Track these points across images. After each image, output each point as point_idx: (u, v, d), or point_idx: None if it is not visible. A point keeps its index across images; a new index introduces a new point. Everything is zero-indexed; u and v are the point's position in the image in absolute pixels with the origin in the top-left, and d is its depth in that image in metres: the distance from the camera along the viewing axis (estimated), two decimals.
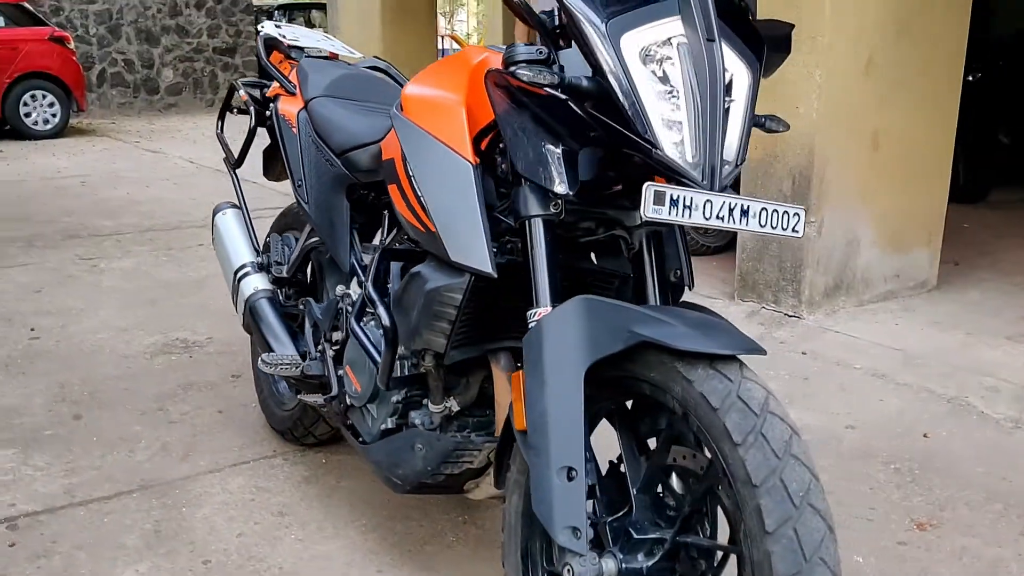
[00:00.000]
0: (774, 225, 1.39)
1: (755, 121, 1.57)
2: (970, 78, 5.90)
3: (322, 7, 15.03)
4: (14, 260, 4.89)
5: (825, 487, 2.36)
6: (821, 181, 3.56)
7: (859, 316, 3.75)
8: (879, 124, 3.69)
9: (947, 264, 4.47)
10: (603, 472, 1.56)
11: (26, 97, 10.31)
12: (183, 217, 6.10)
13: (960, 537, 2.19)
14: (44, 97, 10.49)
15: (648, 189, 1.27)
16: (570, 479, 1.35)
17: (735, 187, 1.59)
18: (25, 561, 2.09)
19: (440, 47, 8.53)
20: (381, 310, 1.75)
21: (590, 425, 1.58)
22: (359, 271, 2.08)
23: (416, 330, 1.65)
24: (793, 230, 1.42)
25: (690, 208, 1.30)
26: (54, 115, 10.58)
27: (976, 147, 6.02)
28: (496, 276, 1.51)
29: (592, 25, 1.35)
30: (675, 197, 1.29)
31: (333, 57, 2.66)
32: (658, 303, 1.57)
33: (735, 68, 1.45)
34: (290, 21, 17.37)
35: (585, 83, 1.39)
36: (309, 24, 16.88)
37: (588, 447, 1.44)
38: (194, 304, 4.03)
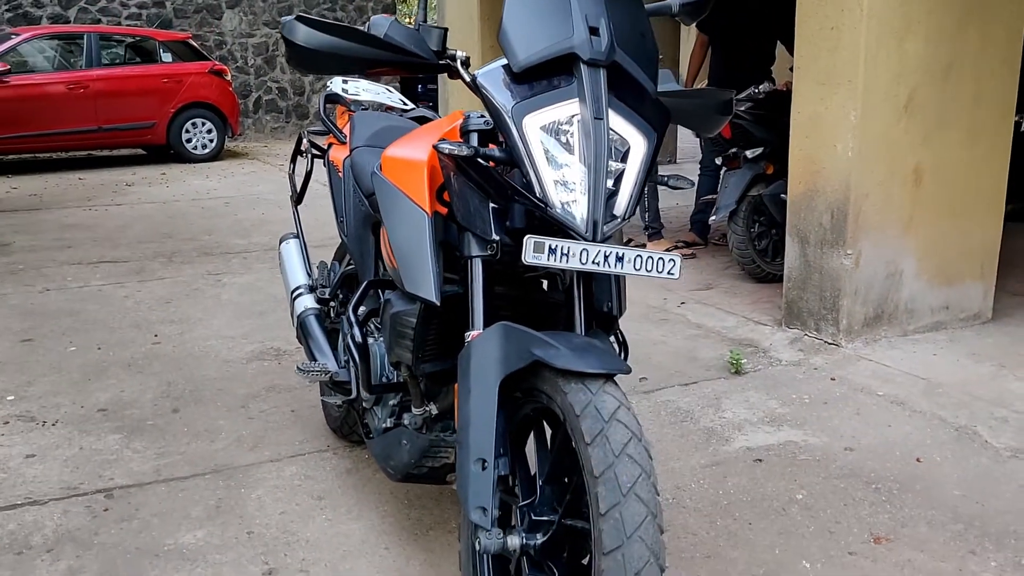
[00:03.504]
0: (648, 269, 1.70)
1: (659, 180, 1.88)
2: None
3: None
4: (154, 274, 5.60)
5: (803, 500, 2.61)
6: (858, 215, 3.73)
7: (899, 346, 3.87)
8: (922, 160, 3.81)
9: (1015, 296, 4.49)
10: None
11: (187, 125, 11.42)
12: (309, 236, 6.72)
13: (909, 551, 2.38)
14: (203, 124, 11.56)
15: (528, 240, 1.61)
16: (483, 469, 1.69)
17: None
18: (112, 523, 2.60)
19: None
20: (355, 330, 2.14)
21: (522, 433, 1.91)
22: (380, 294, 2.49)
23: (390, 346, 2.03)
24: (668, 273, 1.72)
25: (567, 255, 1.63)
26: (211, 140, 11.64)
27: None
28: (439, 304, 1.87)
29: (502, 108, 1.71)
30: (553, 246, 1.62)
31: (388, 110, 3.09)
32: (583, 330, 1.89)
33: (633, 139, 1.76)
34: None
35: (498, 153, 1.74)
36: None
37: (504, 445, 1.77)
38: None
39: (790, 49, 5.77)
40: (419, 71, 1.93)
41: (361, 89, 3.15)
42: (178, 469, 2.94)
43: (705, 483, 2.77)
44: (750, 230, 4.96)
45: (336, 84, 3.12)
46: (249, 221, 7.42)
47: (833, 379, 3.59)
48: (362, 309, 2.36)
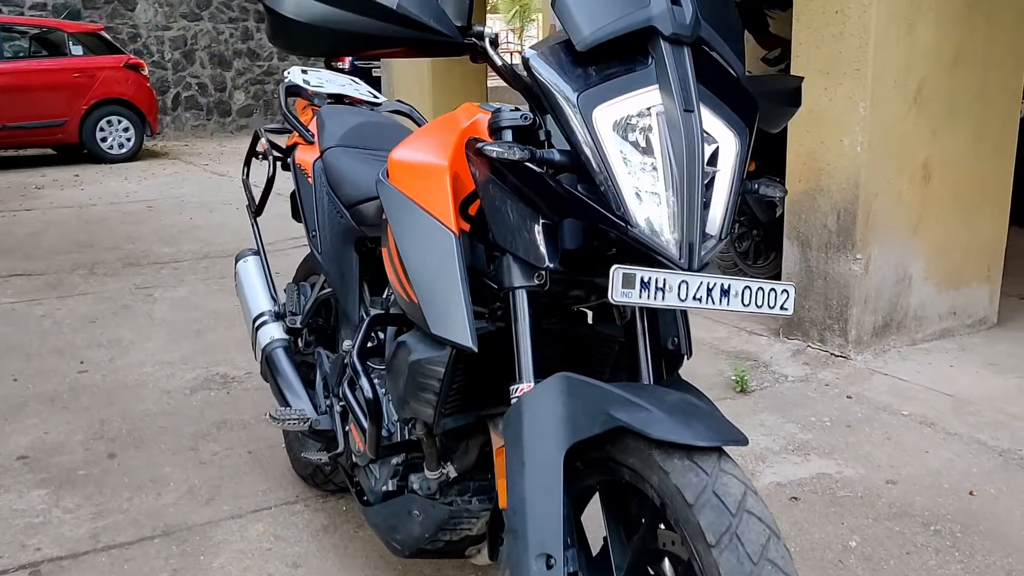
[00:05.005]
0: (759, 304, 1.32)
1: (747, 188, 1.50)
2: None
3: None
4: (74, 289, 5.03)
5: (858, 548, 2.27)
6: (868, 216, 3.43)
7: (911, 356, 3.59)
8: (931, 155, 3.54)
9: (1012, 298, 4.27)
10: (596, 551, 1.50)
11: (102, 123, 10.65)
12: (240, 243, 6.18)
13: None
14: (120, 122, 10.81)
15: (616, 272, 1.21)
16: (548, 567, 1.30)
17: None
18: None
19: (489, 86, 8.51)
20: (364, 381, 1.71)
21: (580, 503, 1.53)
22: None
23: (404, 400, 1.61)
24: (782, 307, 1.34)
25: (663, 290, 1.24)
26: (129, 139, 10.89)
27: None
28: (476, 351, 1.46)
29: (564, 97, 1.31)
30: (646, 280, 1.23)
31: (357, 103, 2.65)
32: (651, 376, 1.51)
33: (721, 136, 1.38)
34: None
35: (558, 156, 1.34)
36: None
37: (571, 531, 1.37)
38: (237, 336, 4.07)
39: (758, 38, 5.50)
40: (437, 52, 1.52)
41: (324, 80, 2.72)
42: (121, 532, 2.46)
43: None
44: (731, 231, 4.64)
45: (295, 75, 2.68)
46: (176, 227, 6.84)
47: (849, 397, 3.28)
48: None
